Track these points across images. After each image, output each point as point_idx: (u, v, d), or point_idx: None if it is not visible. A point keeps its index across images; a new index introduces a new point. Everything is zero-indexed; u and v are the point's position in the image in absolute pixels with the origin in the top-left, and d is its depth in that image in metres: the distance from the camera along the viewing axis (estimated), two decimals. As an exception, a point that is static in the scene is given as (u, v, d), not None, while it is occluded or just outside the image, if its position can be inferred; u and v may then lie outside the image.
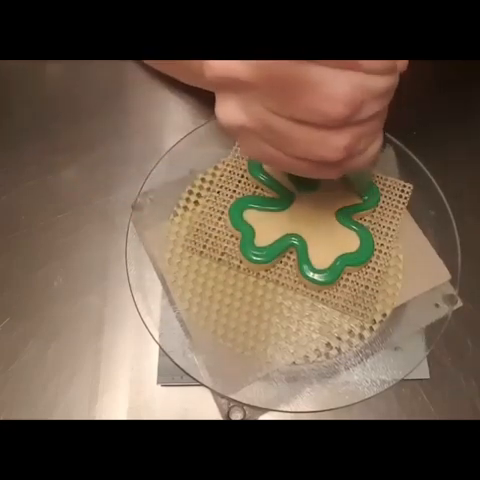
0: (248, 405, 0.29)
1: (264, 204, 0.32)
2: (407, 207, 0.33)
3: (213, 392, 0.29)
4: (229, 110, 0.20)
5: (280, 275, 0.31)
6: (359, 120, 0.19)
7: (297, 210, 0.32)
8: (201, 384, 0.29)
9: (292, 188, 0.33)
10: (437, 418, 0.30)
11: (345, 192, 0.32)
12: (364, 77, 0.17)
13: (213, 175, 0.35)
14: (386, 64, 0.18)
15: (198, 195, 0.34)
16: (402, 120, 0.38)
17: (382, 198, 0.33)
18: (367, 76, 0.17)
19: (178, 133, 0.36)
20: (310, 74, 0.17)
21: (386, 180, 0.34)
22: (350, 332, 0.30)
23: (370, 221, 0.33)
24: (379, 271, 0.31)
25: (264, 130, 0.19)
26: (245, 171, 0.33)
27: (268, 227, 0.31)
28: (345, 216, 0.32)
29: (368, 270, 0.31)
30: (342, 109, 0.17)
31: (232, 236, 0.32)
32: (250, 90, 0.18)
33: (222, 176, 0.34)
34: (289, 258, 0.31)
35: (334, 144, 0.19)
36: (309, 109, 0.18)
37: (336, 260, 0.30)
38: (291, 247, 0.31)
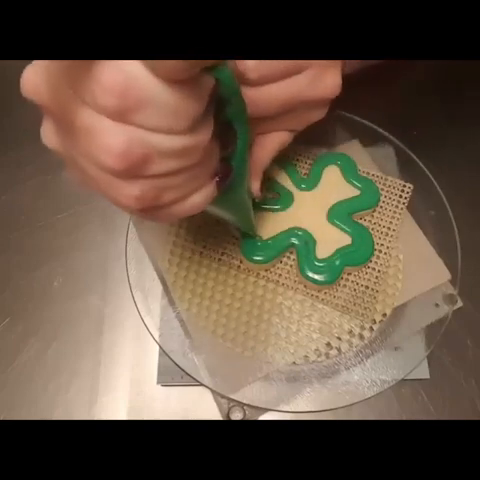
0: (248, 405, 0.29)
1: (265, 204, 0.32)
2: (407, 207, 0.33)
3: (213, 392, 0.29)
4: (47, 131, 0.19)
5: (280, 275, 0.31)
6: (151, 175, 0.17)
7: (297, 207, 0.32)
8: (201, 384, 0.29)
9: (291, 187, 0.33)
10: (437, 418, 0.30)
11: (344, 188, 0.32)
12: (144, 133, 0.16)
13: (213, 175, 0.34)
14: (169, 124, 0.16)
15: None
16: (402, 120, 0.38)
17: (382, 198, 0.33)
18: (148, 133, 0.16)
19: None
20: (87, 118, 0.16)
21: (386, 180, 0.34)
22: (350, 332, 0.30)
23: (370, 221, 0.33)
24: (379, 271, 0.31)
25: (72, 160, 0.18)
26: (245, 171, 0.33)
27: (270, 223, 0.31)
28: (342, 214, 0.32)
29: (368, 270, 0.31)
30: (116, 162, 0.16)
31: (232, 236, 0.32)
32: (57, 120, 0.17)
33: (222, 176, 0.34)
34: (289, 258, 0.31)
35: (125, 193, 0.18)
36: (92, 155, 0.17)
37: (336, 256, 0.30)
38: (291, 247, 0.31)
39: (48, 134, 0.18)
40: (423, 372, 0.31)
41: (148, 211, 0.19)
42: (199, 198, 0.20)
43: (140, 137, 0.16)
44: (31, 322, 0.33)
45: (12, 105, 0.41)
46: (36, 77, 0.16)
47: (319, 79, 0.24)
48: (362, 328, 0.30)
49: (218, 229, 0.32)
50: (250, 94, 0.21)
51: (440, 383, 0.31)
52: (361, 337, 0.30)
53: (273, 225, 0.31)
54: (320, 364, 0.30)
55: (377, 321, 0.30)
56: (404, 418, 0.31)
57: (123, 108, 0.15)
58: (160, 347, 0.30)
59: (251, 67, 0.21)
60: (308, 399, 0.29)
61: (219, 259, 0.31)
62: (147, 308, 0.31)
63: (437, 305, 0.31)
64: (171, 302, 0.31)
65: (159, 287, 0.32)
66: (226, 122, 0.19)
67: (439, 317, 0.31)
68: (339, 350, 0.30)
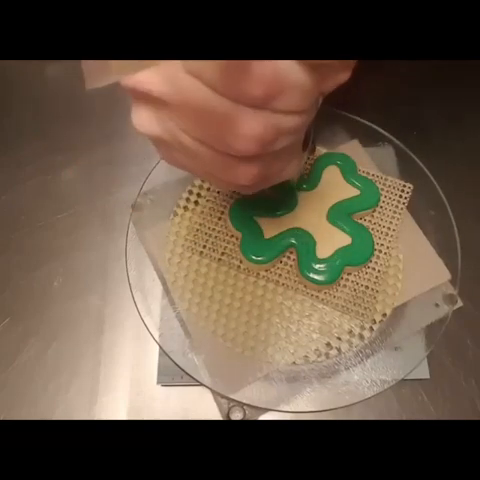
0: (248, 405, 0.29)
1: (267, 210, 0.32)
2: (407, 207, 0.33)
3: (213, 392, 0.29)
4: (143, 119, 0.19)
5: (280, 275, 0.31)
6: (270, 152, 0.18)
7: (298, 208, 0.32)
8: (201, 384, 0.29)
9: (293, 188, 0.33)
10: (437, 418, 0.30)
11: (344, 188, 0.32)
12: (276, 116, 0.17)
13: (213, 175, 0.35)
14: (299, 104, 0.17)
15: (198, 195, 0.34)
16: (402, 120, 0.38)
17: (382, 198, 0.33)
18: (280, 115, 0.17)
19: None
20: (222, 107, 0.16)
21: (386, 180, 0.34)
22: (350, 332, 0.30)
23: (370, 221, 0.33)
24: (379, 271, 0.31)
25: (176, 144, 0.19)
26: (245, 171, 0.33)
27: (271, 224, 0.31)
28: (342, 214, 0.32)
29: (368, 270, 0.31)
30: (252, 147, 0.17)
31: (232, 236, 0.32)
32: (165, 107, 0.18)
33: (222, 176, 0.34)
34: (289, 258, 0.31)
35: (243, 172, 0.19)
36: (220, 140, 0.17)
37: (336, 256, 0.30)
38: (291, 247, 0.31)
39: (144, 121, 0.19)
40: (423, 372, 0.31)
41: (254, 186, 0.20)
42: (295, 166, 0.22)
43: (273, 121, 0.17)
44: (31, 322, 0.33)
45: (12, 105, 0.41)
46: (152, 73, 0.17)
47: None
48: (362, 328, 0.30)
49: (218, 229, 0.32)
50: None
51: (440, 383, 0.31)
52: (361, 337, 0.30)
53: (274, 225, 0.31)
54: (320, 364, 0.30)
55: (377, 321, 0.30)
56: (404, 418, 0.31)
57: (269, 97, 0.16)
58: (160, 347, 0.30)
59: None
60: (308, 399, 0.29)
61: (219, 259, 0.31)
62: (147, 308, 0.31)
63: (437, 305, 0.31)
64: (171, 302, 0.31)
65: (159, 287, 0.32)
66: None
67: (439, 317, 0.30)
68: (339, 350, 0.30)
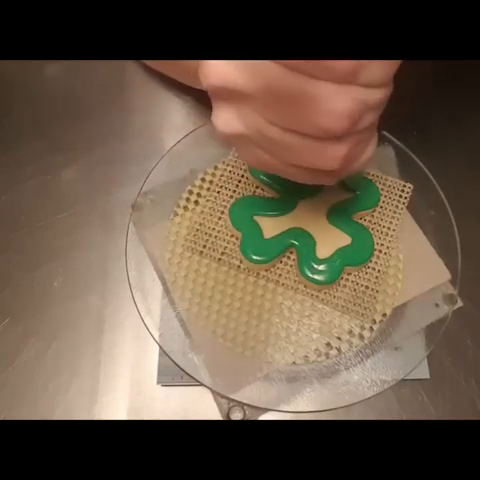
0: (248, 405, 0.29)
1: (267, 210, 0.32)
2: (407, 207, 0.33)
3: (213, 392, 0.29)
4: (226, 119, 0.19)
5: (280, 275, 0.31)
6: (356, 131, 0.18)
7: (298, 208, 0.32)
8: (201, 384, 0.29)
9: (293, 187, 0.33)
10: (437, 418, 0.30)
11: (343, 188, 0.33)
12: (363, 91, 0.17)
13: (213, 175, 0.35)
14: (383, 76, 0.17)
15: (198, 195, 0.34)
16: (402, 120, 0.38)
17: (382, 198, 0.33)
18: (365, 89, 0.17)
19: (178, 133, 0.36)
20: (310, 88, 0.16)
21: (386, 180, 0.34)
22: (350, 332, 0.30)
23: (370, 221, 0.33)
24: (379, 271, 0.31)
25: (260, 139, 0.19)
26: (245, 171, 0.33)
27: (271, 224, 0.31)
28: (342, 214, 0.32)
29: (368, 270, 0.31)
30: (343, 123, 0.17)
31: (232, 236, 0.32)
32: (247, 100, 0.18)
33: (222, 176, 0.34)
34: (289, 258, 0.31)
35: (332, 155, 0.19)
36: (309, 123, 0.17)
37: (336, 256, 0.30)
38: (291, 247, 0.31)
39: (228, 121, 0.19)
40: (423, 372, 0.31)
41: (340, 171, 0.20)
42: (370, 150, 0.21)
43: (362, 95, 0.17)
44: (31, 322, 0.33)
45: (12, 105, 0.41)
46: (227, 66, 0.17)
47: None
48: (362, 328, 0.30)
49: (218, 229, 0.32)
50: None
51: (440, 383, 0.31)
52: (361, 337, 0.30)
53: (274, 225, 0.31)
54: (320, 364, 0.30)
55: (377, 321, 0.30)
56: (404, 418, 0.31)
57: (356, 70, 0.16)
58: (160, 347, 0.30)
59: None
60: (308, 399, 0.29)
61: (219, 259, 0.31)
62: (147, 308, 0.31)
63: (437, 305, 0.31)
64: (171, 302, 0.31)
65: (159, 287, 0.32)
66: None
67: (439, 317, 0.30)
68: (339, 350, 0.30)
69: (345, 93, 0.17)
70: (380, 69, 0.17)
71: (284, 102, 0.17)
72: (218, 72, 0.18)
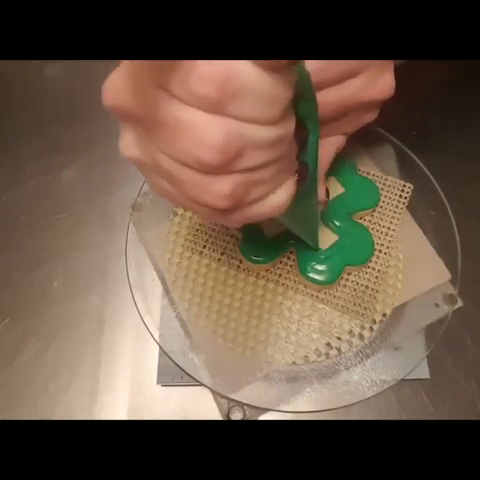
0: (248, 405, 0.29)
1: None
2: (407, 207, 0.33)
3: (213, 392, 0.29)
4: (126, 142, 0.19)
5: (280, 275, 0.31)
6: (243, 168, 0.17)
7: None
8: (201, 384, 0.29)
9: None
10: (437, 418, 0.30)
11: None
12: (240, 124, 0.16)
13: (213, 175, 0.34)
14: (262, 113, 0.16)
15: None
16: (402, 120, 0.38)
17: (382, 198, 0.33)
18: (244, 124, 0.16)
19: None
20: (183, 115, 0.16)
21: (386, 180, 0.34)
22: (350, 332, 0.30)
23: (370, 221, 0.33)
24: (379, 271, 0.31)
25: (156, 167, 0.18)
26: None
27: (271, 224, 0.31)
28: (341, 214, 0.32)
29: (368, 270, 0.31)
30: (214, 156, 0.16)
31: (232, 236, 0.32)
32: (140, 123, 0.17)
33: (222, 176, 0.34)
34: (289, 258, 0.31)
35: (216, 191, 0.18)
36: (183, 152, 0.17)
37: (334, 251, 0.30)
38: (291, 247, 0.31)
39: (128, 144, 0.19)
40: (423, 372, 0.31)
41: (232, 211, 0.19)
42: (282, 196, 0.20)
43: (236, 129, 0.16)
44: (31, 322, 0.33)
45: (12, 105, 0.41)
46: (117, 83, 0.17)
47: (373, 81, 0.24)
48: (362, 328, 0.30)
49: (218, 229, 0.32)
50: None
51: (440, 383, 0.31)
52: (361, 337, 0.30)
53: (274, 225, 0.31)
54: (320, 364, 0.30)
55: (377, 321, 0.30)
56: (404, 418, 0.31)
57: (222, 98, 0.15)
58: (160, 347, 0.30)
59: (314, 70, 0.20)
60: (308, 399, 0.29)
61: (219, 259, 0.31)
62: (147, 308, 0.31)
63: (437, 305, 0.31)
64: (171, 302, 0.31)
65: (159, 287, 0.32)
66: (299, 119, 0.19)
67: (439, 317, 0.30)
68: (339, 350, 0.30)
69: (217, 124, 0.16)
70: (256, 103, 0.16)
71: (164, 127, 0.16)
72: (111, 91, 0.17)
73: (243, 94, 0.15)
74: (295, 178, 0.21)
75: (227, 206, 0.18)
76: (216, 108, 0.15)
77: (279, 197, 0.20)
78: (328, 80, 0.23)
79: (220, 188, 0.18)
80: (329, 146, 0.27)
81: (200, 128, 0.16)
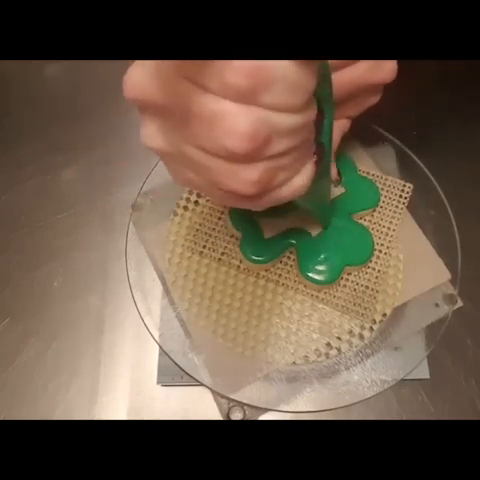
0: (248, 405, 0.29)
1: (267, 209, 0.32)
2: (407, 207, 0.33)
3: (213, 392, 0.29)
4: (150, 134, 0.19)
5: (280, 275, 0.31)
6: (270, 155, 0.18)
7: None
8: (201, 384, 0.29)
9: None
10: (437, 418, 0.30)
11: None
12: (268, 113, 0.16)
13: (213, 175, 0.34)
14: (291, 101, 0.17)
15: (198, 195, 0.34)
16: (402, 120, 0.38)
17: (382, 198, 0.33)
18: (271, 112, 0.17)
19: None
20: (212, 106, 0.16)
21: (386, 180, 0.34)
22: (350, 332, 0.30)
23: (370, 221, 0.33)
24: (379, 271, 0.31)
25: (181, 157, 0.19)
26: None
27: (272, 223, 0.31)
28: (341, 213, 0.32)
29: (368, 270, 0.31)
30: (243, 144, 0.16)
31: (232, 236, 0.32)
32: (165, 114, 0.18)
33: (222, 176, 0.34)
34: (289, 258, 0.31)
35: (244, 178, 0.18)
36: (212, 142, 0.17)
37: (336, 257, 0.30)
38: (291, 247, 0.31)
39: (151, 134, 0.19)
40: (423, 372, 0.31)
41: (258, 196, 0.20)
42: (302, 179, 0.21)
43: (265, 117, 0.16)
44: (31, 322, 0.33)
45: (12, 105, 0.41)
46: (141, 76, 0.17)
47: (378, 64, 0.25)
48: (362, 328, 0.30)
49: (218, 229, 0.32)
50: None
51: (440, 383, 0.31)
52: (361, 337, 0.30)
53: (274, 225, 0.31)
54: (320, 364, 0.30)
55: (377, 321, 0.30)
56: (404, 418, 0.31)
57: (253, 88, 0.16)
58: (160, 347, 0.30)
59: None
60: (308, 399, 0.29)
61: (219, 259, 0.31)
62: (147, 308, 0.31)
63: (437, 305, 0.31)
64: (171, 302, 0.31)
65: (159, 287, 0.32)
66: (318, 102, 0.20)
67: (439, 317, 0.30)
68: (339, 350, 0.30)
69: (246, 113, 0.16)
70: (284, 92, 0.16)
71: (192, 118, 0.17)
72: (134, 84, 0.17)
73: (272, 83, 0.16)
74: (314, 160, 0.21)
75: (255, 192, 0.19)
76: (246, 97, 0.16)
77: (301, 179, 0.21)
78: (340, 62, 0.24)
79: (248, 175, 0.18)
80: (336, 129, 0.28)
81: (229, 118, 0.16)
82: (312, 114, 0.19)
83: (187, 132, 0.18)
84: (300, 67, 0.16)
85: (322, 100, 0.21)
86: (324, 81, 0.20)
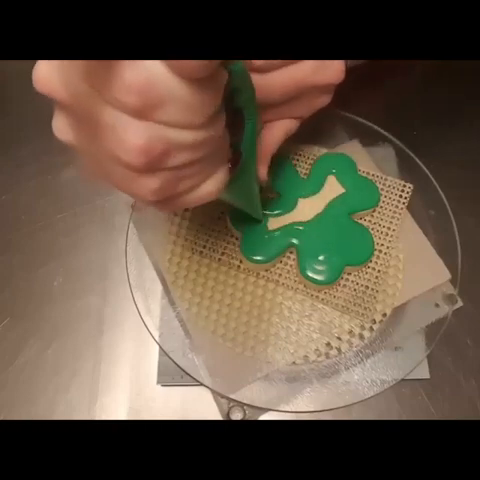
0: (248, 405, 0.29)
1: (267, 209, 0.32)
2: (407, 207, 0.33)
3: (213, 392, 0.29)
4: (59, 125, 0.19)
5: (280, 275, 0.31)
6: (169, 167, 0.18)
7: (300, 206, 0.32)
8: (201, 384, 0.29)
9: (293, 191, 0.32)
10: (437, 418, 0.30)
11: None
12: (163, 128, 0.16)
13: (213, 175, 0.34)
14: (187, 118, 0.16)
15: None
16: (402, 120, 0.38)
17: (382, 198, 0.33)
18: (167, 128, 0.16)
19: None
20: (107, 116, 0.16)
21: (386, 180, 0.34)
22: (350, 332, 0.30)
23: (370, 221, 0.33)
24: (379, 271, 0.31)
25: (87, 154, 0.19)
26: (245, 171, 0.33)
27: (273, 221, 0.32)
28: (342, 213, 0.32)
29: (368, 270, 0.31)
30: (137, 158, 0.16)
31: (232, 236, 0.32)
32: (71, 112, 0.18)
33: (222, 176, 0.34)
34: (289, 258, 0.31)
35: (143, 186, 0.18)
36: (108, 150, 0.17)
37: (336, 257, 0.30)
38: (291, 247, 0.31)
39: (61, 127, 0.19)
40: (423, 372, 0.31)
41: (164, 202, 0.19)
42: (212, 185, 0.20)
43: (160, 133, 0.16)
44: (31, 322, 0.33)
45: (12, 105, 0.41)
46: (50, 72, 0.17)
47: (323, 65, 0.24)
48: (362, 328, 0.30)
49: (218, 229, 0.32)
50: (256, 81, 0.21)
51: (440, 383, 0.31)
52: (361, 337, 0.30)
53: (274, 223, 0.31)
54: (320, 364, 0.30)
55: (377, 321, 0.30)
56: (404, 418, 0.31)
57: (144, 106, 0.15)
58: (160, 347, 0.30)
59: None
60: (308, 399, 0.29)
61: (219, 259, 0.31)
62: (147, 308, 0.31)
63: (437, 305, 0.31)
64: (171, 302, 0.31)
65: (159, 287, 0.32)
66: (236, 110, 0.20)
67: (439, 317, 0.31)
68: (339, 350, 0.30)
69: (140, 128, 0.16)
70: (179, 110, 0.16)
71: (92, 122, 0.17)
72: (41, 77, 0.17)
73: (165, 102, 0.15)
74: (228, 166, 0.21)
75: (156, 199, 0.19)
76: (139, 113, 0.16)
77: (210, 186, 0.20)
78: (275, 62, 0.23)
79: (147, 184, 0.18)
80: (278, 130, 0.27)
81: (124, 131, 0.16)
82: (217, 128, 0.18)
83: (88, 134, 0.17)
84: (195, 88, 0.16)
85: (243, 108, 0.20)
86: (241, 92, 0.19)
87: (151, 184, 0.18)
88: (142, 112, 0.16)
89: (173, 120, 0.16)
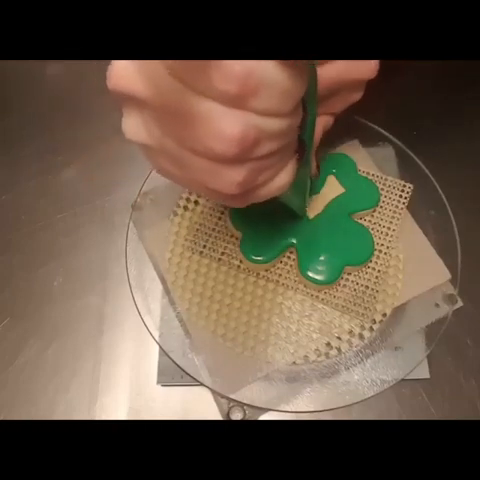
0: (248, 405, 0.29)
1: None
2: (407, 207, 0.33)
3: (213, 392, 0.29)
4: (132, 125, 0.19)
5: (280, 275, 0.31)
6: (255, 157, 0.18)
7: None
8: (201, 384, 0.29)
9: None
10: (437, 418, 0.30)
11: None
12: (257, 118, 0.16)
13: (213, 175, 0.34)
14: (279, 107, 0.17)
15: (198, 195, 0.34)
16: (402, 120, 0.38)
17: (382, 198, 0.33)
18: (260, 117, 0.17)
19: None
20: (200, 107, 0.16)
21: (386, 180, 0.34)
22: (350, 332, 0.30)
23: (370, 221, 0.33)
24: (379, 271, 0.31)
25: (163, 151, 0.19)
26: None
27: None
28: (341, 213, 0.32)
29: (368, 270, 0.31)
30: (232, 148, 0.16)
31: (232, 236, 0.32)
32: (147, 108, 0.18)
33: (222, 176, 0.34)
34: (289, 258, 0.31)
35: (229, 179, 0.18)
36: (197, 142, 0.17)
37: (336, 257, 0.30)
38: (291, 247, 0.31)
39: (134, 127, 0.19)
40: (423, 372, 0.31)
41: (241, 196, 0.20)
42: (285, 176, 0.21)
43: (253, 121, 0.17)
44: (31, 322, 0.33)
45: (12, 105, 0.41)
46: (128, 70, 0.17)
47: (360, 60, 0.25)
48: (362, 328, 0.30)
49: (218, 229, 0.32)
50: None
51: (440, 383, 0.31)
52: (361, 337, 0.30)
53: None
54: (320, 364, 0.30)
55: (377, 321, 0.30)
56: (404, 418, 0.31)
57: (243, 94, 0.16)
58: (160, 347, 0.30)
59: None
60: (308, 399, 0.29)
61: (219, 259, 0.31)
62: (147, 308, 0.31)
63: (437, 305, 0.31)
64: (171, 302, 0.31)
65: (159, 287, 0.32)
66: (303, 101, 0.20)
67: (439, 317, 0.30)
68: (339, 350, 0.30)
69: (235, 117, 0.16)
70: (275, 98, 0.16)
71: (177, 116, 0.17)
72: (119, 75, 0.17)
73: (262, 90, 0.16)
74: (296, 157, 0.22)
75: (238, 192, 0.19)
76: (235, 102, 0.16)
77: (283, 177, 0.21)
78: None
79: (233, 176, 0.18)
80: (318, 126, 0.28)
81: (218, 121, 0.16)
82: (299, 116, 0.19)
83: (171, 129, 0.17)
84: (290, 73, 0.16)
85: (307, 99, 0.21)
86: (311, 82, 0.20)
87: (236, 176, 0.18)
88: (239, 101, 0.16)
89: (265, 108, 0.16)
